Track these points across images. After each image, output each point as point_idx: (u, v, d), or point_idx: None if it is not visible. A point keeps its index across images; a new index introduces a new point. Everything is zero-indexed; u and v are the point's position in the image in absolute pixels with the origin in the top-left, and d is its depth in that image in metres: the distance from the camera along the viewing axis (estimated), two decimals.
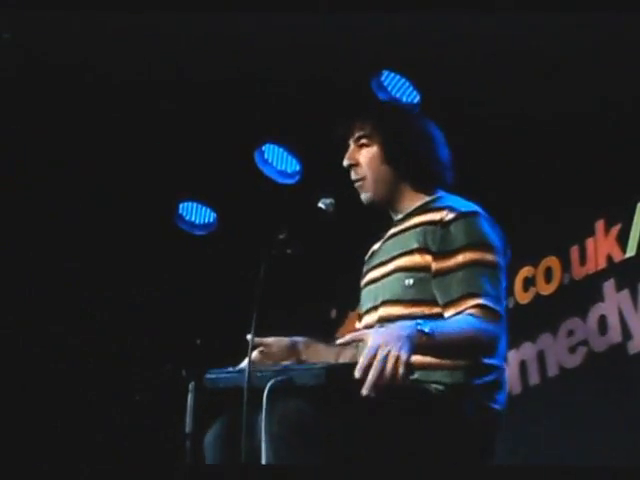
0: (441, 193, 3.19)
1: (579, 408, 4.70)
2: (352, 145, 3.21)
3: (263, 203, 5.56)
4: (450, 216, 3.03)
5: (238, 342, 3.15)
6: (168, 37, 4.60)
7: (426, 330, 2.76)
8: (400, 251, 3.10)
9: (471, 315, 2.89)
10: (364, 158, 3.18)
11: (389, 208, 3.22)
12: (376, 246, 3.30)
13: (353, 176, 3.19)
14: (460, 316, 2.92)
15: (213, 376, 3.06)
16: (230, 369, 3.04)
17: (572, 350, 4.82)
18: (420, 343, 2.76)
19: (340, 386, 2.77)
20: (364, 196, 3.19)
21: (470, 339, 2.88)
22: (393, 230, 3.21)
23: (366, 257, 3.34)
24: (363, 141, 3.18)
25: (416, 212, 3.14)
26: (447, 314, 2.96)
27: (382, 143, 3.16)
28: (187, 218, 5.97)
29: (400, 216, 3.19)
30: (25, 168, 5.42)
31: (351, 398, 2.75)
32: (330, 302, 5.96)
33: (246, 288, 3.13)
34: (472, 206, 3.09)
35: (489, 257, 3.00)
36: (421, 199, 3.18)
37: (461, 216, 3.03)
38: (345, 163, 3.20)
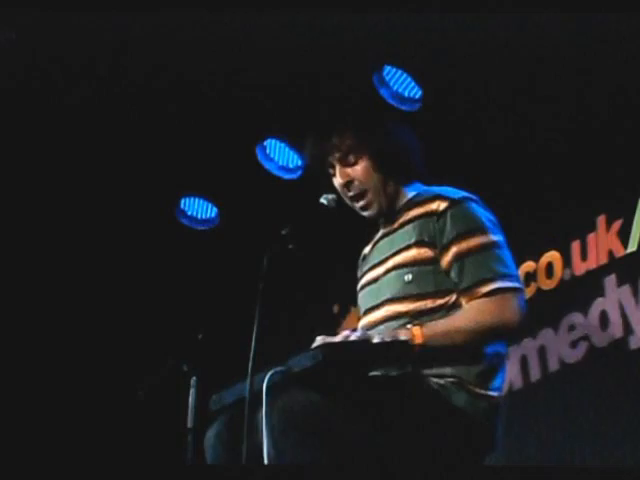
0: (419, 185, 3.22)
1: (580, 403, 4.70)
2: (337, 165, 3.19)
3: (265, 198, 5.57)
4: (443, 205, 3.05)
5: (240, 337, 3.16)
6: (170, 35, 4.61)
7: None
8: (397, 248, 3.12)
9: (485, 302, 2.95)
10: (357, 173, 3.17)
11: (389, 212, 3.22)
12: (367, 249, 3.32)
13: (351, 192, 3.18)
14: (463, 312, 2.98)
15: (217, 396, 3.07)
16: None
17: (573, 345, 4.82)
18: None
19: (337, 361, 2.80)
20: (370, 212, 3.19)
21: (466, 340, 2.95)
22: (383, 230, 3.23)
23: (359, 261, 3.36)
24: (350, 159, 3.17)
25: (405, 208, 3.16)
26: (463, 302, 3.00)
27: (370, 156, 3.16)
28: (189, 213, 5.97)
29: (388, 215, 3.21)
30: (29, 161, 5.43)
31: (348, 379, 2.82)
32: (332, 297, 5.96)
33: (248, 283, 3.14)
34: (459, 192, 3.12)
35: (490, 239, 3.03)
36: (406, 195, 3.20)
37: (454, 204, 3.06)
38: (341, 182, 3.18)
